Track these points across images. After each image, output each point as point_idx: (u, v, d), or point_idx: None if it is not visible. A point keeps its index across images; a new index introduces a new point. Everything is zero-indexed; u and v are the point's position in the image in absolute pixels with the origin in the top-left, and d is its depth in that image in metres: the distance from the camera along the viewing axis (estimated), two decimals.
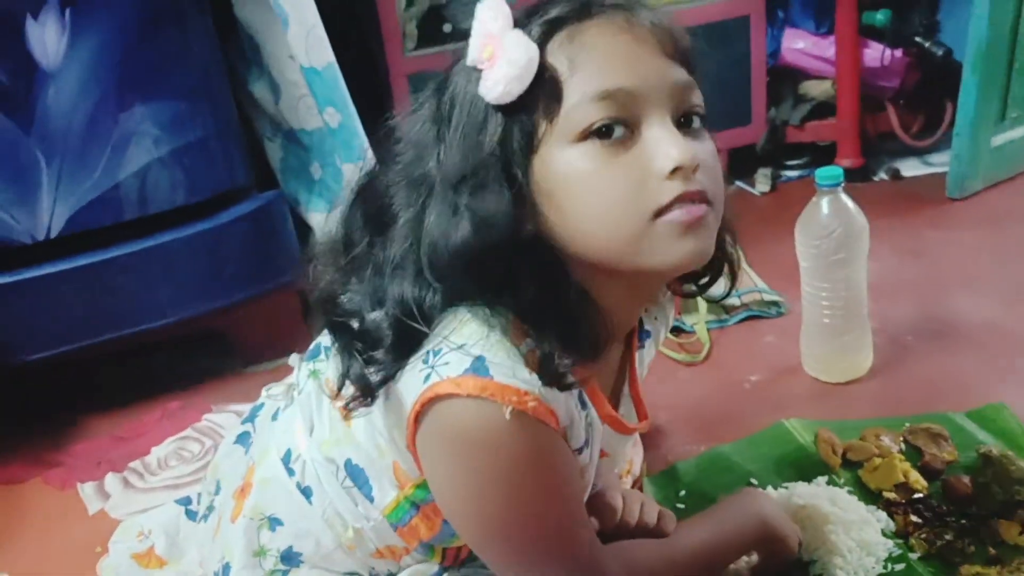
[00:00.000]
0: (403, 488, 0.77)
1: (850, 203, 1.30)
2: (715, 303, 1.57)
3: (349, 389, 0.72)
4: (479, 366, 0.67)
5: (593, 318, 0.73)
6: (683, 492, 1.15)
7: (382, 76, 1.83)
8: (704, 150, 0.71)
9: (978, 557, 0.99)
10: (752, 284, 1.61)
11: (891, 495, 1.09)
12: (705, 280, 0.86)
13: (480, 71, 0.69)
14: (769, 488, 1.12)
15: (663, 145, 0.67)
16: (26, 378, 1.45)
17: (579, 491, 0.79)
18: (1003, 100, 1.94)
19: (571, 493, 0.76)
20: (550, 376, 0.68)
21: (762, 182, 2.15)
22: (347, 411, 0.74)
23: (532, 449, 0.69)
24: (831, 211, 1.29)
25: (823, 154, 2.19)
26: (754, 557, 0.97)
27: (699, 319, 1.56)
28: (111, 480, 1.32)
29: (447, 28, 1.85)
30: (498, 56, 0.67)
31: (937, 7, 2.09)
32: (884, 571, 0.99)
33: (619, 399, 0.87)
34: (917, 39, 2.05)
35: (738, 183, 2.19)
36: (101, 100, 1.33)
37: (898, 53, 2.05)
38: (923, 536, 1.02)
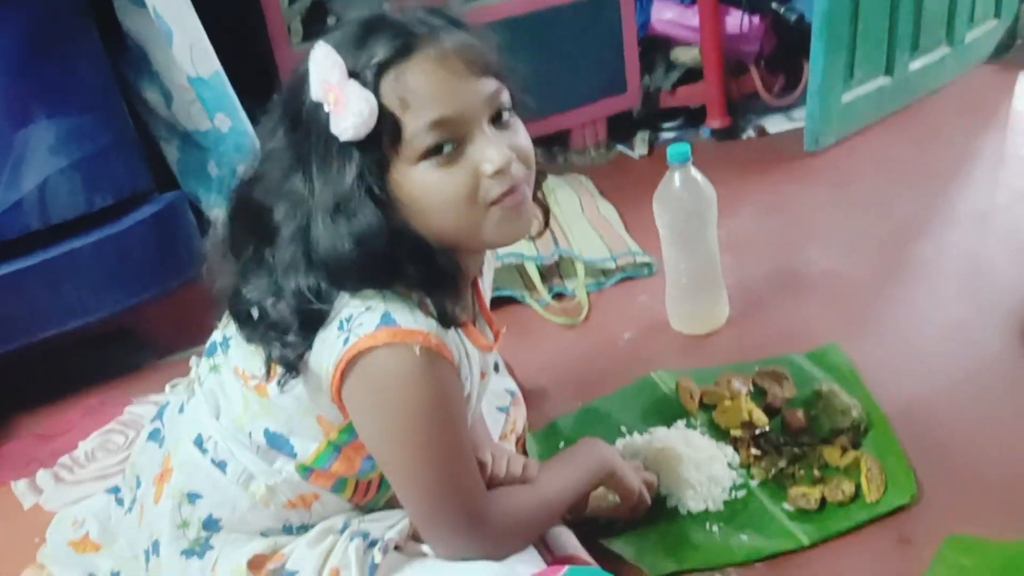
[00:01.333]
0: (327, 435, 0.91)
1: (699, 176, 1.45)
2: (594, 267, 1.73)
3: (277, 368, 0.88)
4: (387, 319, 0.84)
5: (457, 275, 0.92)
6: (562, 444, 1.30)
7: (272, 71, 1.92)
8: (516, 137, 0.89)
9: (806, 480, 1.18)
10: (626, 247, 1.77)
11: (737, 432, 1.26)
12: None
13: (327, 112, 0.82)
14: (636, 434, 1.28)
15: (485, 152, 0.85)
16: None
17: (467, 430, 0.95)
18: (850, 61, 2.11)
19: (465, 429, 0.93)
20: (441, 315, 0.87)
21: (640, 145, 2.31)
22: (280, 386, 0.90)
23: (438, 381, 0.86)
24: (682, 184, 1.44)
25: (695, 116, 2.36)
26: (616, 497, 1.14)
27: (579, 283, 1.71)
28: (43, 476, 1.41)
29: (331, 21, 1.94)
30: (342, 104, 0.81)
31: None
32: (728, 498, 1.16)
33: (476, 324, 1.03)
34: (773, 5, 2.21)
35: (618, 147, 2.34)
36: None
37: (756, 19, 2.22)
38: (762, 465, 1.20)
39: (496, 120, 0.87)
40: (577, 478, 1.06)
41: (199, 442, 0.96)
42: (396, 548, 0.94)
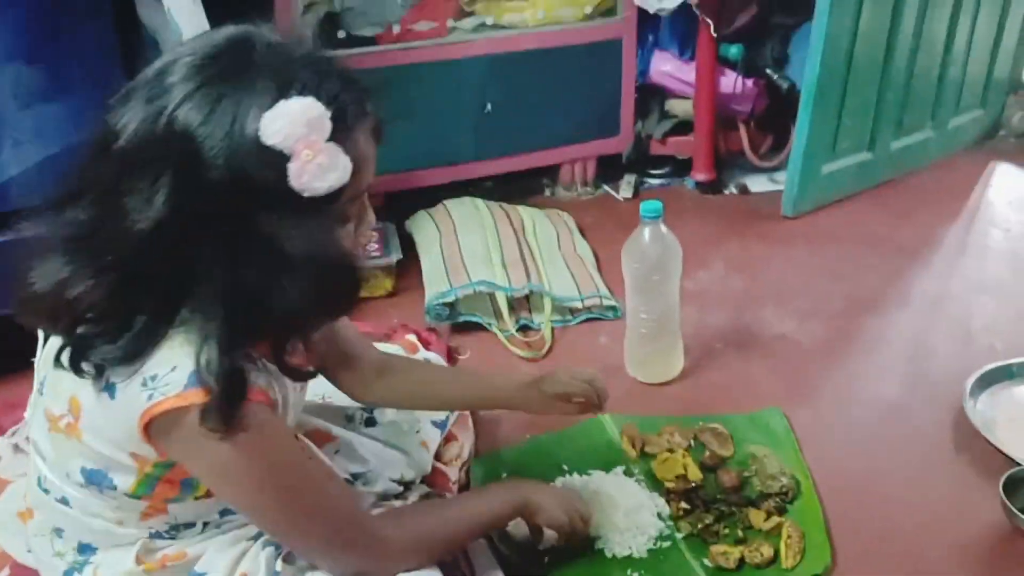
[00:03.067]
0: (142, 469, 0.90)
1: (667, 233, 1.51)
2: (561, 305, 1.79)
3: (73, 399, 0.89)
4: (194, 379, 0.81)
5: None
6: (504, 475, 1.35)
7: None
8: None
9: (729, 539, 1.24)
10: (595, 289, 1.82)
11: (671, 484, 1.32)
12: None
13: (285, 157, 0.79)
14: (576, 474, 1.34)
15: (369, 214, 0.93)
16: None
17: (307, 460, 0.97)
18: (835, 133, 2.18)
19: (302, 461, 0.94)
20: (283, 368, 0.90)
21: (625, 188, 2.37)
22: (75, 426, 0.90)
23: (259, 426, 0.85)
24: (651, 239, 1.50)
25: (682, 166, 2.43)
26: (553, 533, 1.20)
27: (545, 318, 1.77)
28: (1, 444, 1.45)
29: (341, 34, 2.00)
30: (321, 163, 0.80)
31: (788, 42, 2.32)
32: (652, 547, 1.22)
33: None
34: (767, 71, 2.29)
35: (605, 187, 2.40)
36: (4, 94, 1.45)
37: (750, 82, 2.29)
38: (689, 520, 1.26)
39: None
40: (491, 508, 1.11)
41: (39, 482, 1.00)
42: None
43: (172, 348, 0.83)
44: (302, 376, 0.97)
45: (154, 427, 0.84)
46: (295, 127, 0.78)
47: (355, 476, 1.21)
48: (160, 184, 0.78)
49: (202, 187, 0.79)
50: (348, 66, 0.88)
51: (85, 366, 0.85)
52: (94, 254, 0.83)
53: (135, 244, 0.80)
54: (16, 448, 1.44)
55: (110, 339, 0.83)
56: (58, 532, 1.00)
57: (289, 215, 0.81)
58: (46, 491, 0.99)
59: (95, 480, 0.93)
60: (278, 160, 0.79)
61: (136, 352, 0.83)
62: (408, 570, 0.98)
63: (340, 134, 0.81)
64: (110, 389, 0.85)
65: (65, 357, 0.86)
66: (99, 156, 0.83)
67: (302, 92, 0.80)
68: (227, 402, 0.82)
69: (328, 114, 0.80)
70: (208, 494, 0.96)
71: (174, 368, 0.82)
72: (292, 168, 0.79)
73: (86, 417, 0.89)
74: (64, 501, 0.97)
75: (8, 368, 1.63)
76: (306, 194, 0.80)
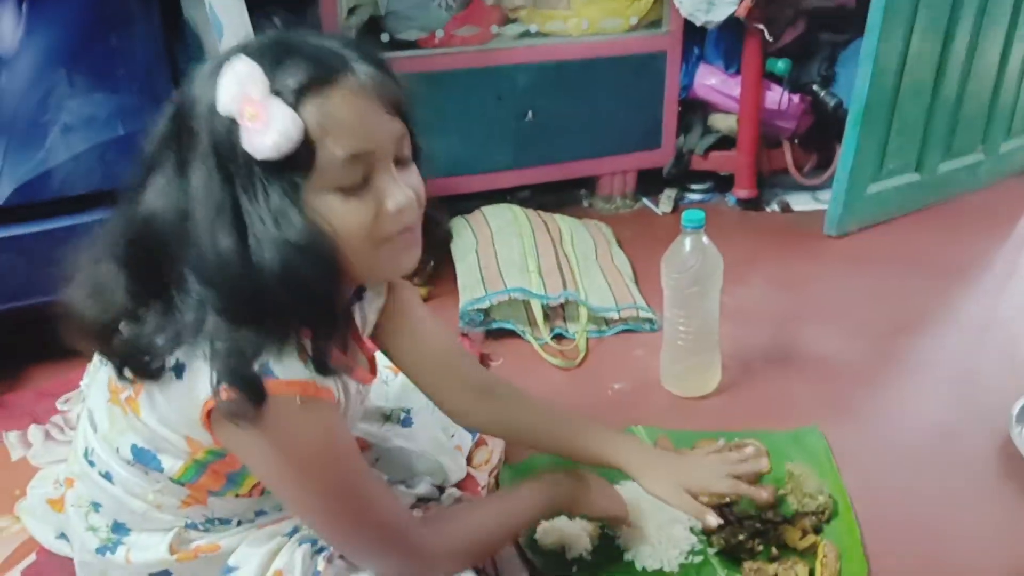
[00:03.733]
0: (194, 454, 0.89)
1: (709, 244, 1.48)
2: (597, 315, 1.76)
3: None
4: (266, 370, 0.81)
5: (344, 319, 0.93)
6: None
7: None
8: (412, 179, 0.88)
9: (763, 556, 1.20)
10: (632, 300, 1.80)
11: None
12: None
13: (240, 127, 0.78)
14: None
15: (390, 189, 0.84)
16: None
17: (360, 460, 0.94)
18: (882, 153, 2.15)
19: (359, 463, 0.92)
20: (319, 365, 0.84)
21: (665, 203, 2.35)
22: (134, 400, 0.89)
23: (320, 425, 0.85)
24: (692, 249, 1.47)
25: (723, 182, 2.40)
26: (584, 543, 1.17)
27: (580, 328, 1.75)
28: (34, 431, 1.46)
29: (385, 37, 2.01)
30: (262, 120, 0.76)
31: (836, 59, 2.29)
32: (684, 561, 1.19)
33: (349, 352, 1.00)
34: (814, 88, 2.26)
35: (644, 200, 2.38)
36: (50, 87, 1.46)
37: (796, 98, 2.26)
38: (722, 535, 1.23)
39: (398, 161, 0.87)
40: (528, 506, 1.08)
41: (87, 454, 0.99)
42: (341, 557, 0.97)
43: None
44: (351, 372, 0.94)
45: (215, 415, 0.83)
46: (231, 87, 0.77)
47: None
48: (166, 167, 0.80)
49: (201, 166, 0.79)
50: (346, 32, 0.85)
51: (146, 369, 0.84)
52: (118, 241, 0.83)
53: (152, 232, 0.80)
54: (47, 435, 1.45)
55: (156, 331, 0.82)
56: (95, 506, 1.00)
57: (261, 189, 0.79)
58: (91, 463, 0.98)
59: (143, 460, 0.92)
60: (234, 127, 0.78)
61: (182, 334, 0.82)
62: (449, 574, 0.97)
63: (290, 91, 0.78)
64: (178, 369, 0.83)
65: (127, 372, 0.85)
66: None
67: (244, 53, 0.79)
68: (301, 396, 0.81)
69: (259, 70, 0.78)
70: (249, 493, 0.96)
71: None
72: (241, 131, 0.77)
73: (147, 393, 0.88)
74: (107, 476, 0.96)
75: (54, 358, 1.64)
76: (258, 157, 0.77)
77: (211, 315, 0.80)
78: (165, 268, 0.81)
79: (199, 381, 0.82)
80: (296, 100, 0.78)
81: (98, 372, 0.97)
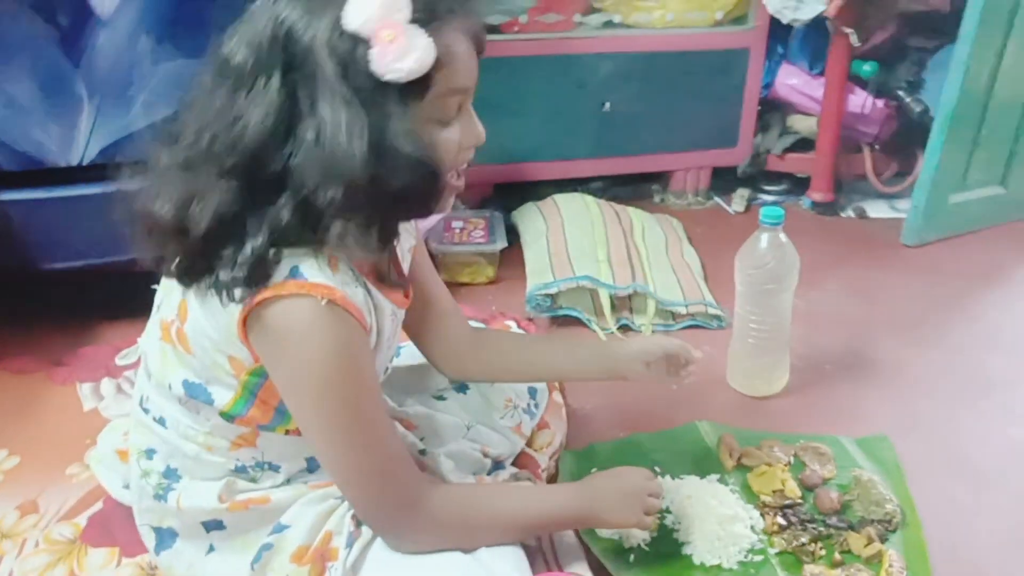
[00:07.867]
0: (239, 376, 0.92)
1: (787, 242, 1.46)
2: (664, 309, 1.74)
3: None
4: (295, 272, 0.85)
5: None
6: (594, 469, 1.31)
7: None
8: None
9: (826, 560, 1.18)
10: (700, 296, 1.78)
11: (768, 499, 1.27)
12: None
13: (366, 42, 0.80)
14: (668, 477, 1.30)
15: (474, 126, 0.92)
16: (49, 284, 1.63)
17: (377, 396, 0.95)
18: (967, 164, 2.09)
19: (374, 387, 0.93)
20: (383, 241, 0.88)
21: (738, 202, 2.31)
22: (183, 331, 0.92)
23: (342, 332, 0.87)
24: (768, 246, 1.45)
25: (798, 184, 2.35)
26: (643, 533, 1.16)
27: (647, 320, 1.73)
28: (106, 384, 1.50)
29: None
30: (400, 45, 0.79)
31: (924, 65, 2.23)
32: (744, 559, 1.17)
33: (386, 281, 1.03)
34: (900, 92, 2.20)
35: (716, 198, 2.35)
36: (143, 50, 1.49)
37: (880, 103, 2.20)
38: (784, 536, 1.21)
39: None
40: (549, 511, 1.05)
41: (142, 402, 1.02)
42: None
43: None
44: (398, 285, 1.00)
45: (249, 321, 0.86)
46: (372, 8, 0.79)
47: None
48: (272, 84, 0.81)
49: (307, 80, 0.81)
50: None
51: (203, 284, 0.87)
52: (214, 161, 0.84)
53: (252, 143, 0.82)
54: (119, 388, 1.48)
55: (229, 263, 0.85)
56: (149, 453, 1.03)
57: (376, 105, 0.81)
58: (146, 411, 1.01)
59: (194, 394, 0.95)
60: (362, 46, 0.80)
61: (256, 277, 0.84)
62: (436, 547, 0.95)
63: (425, 21, 0.81)
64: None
65: (185, 276, 0.88)
66: (214, 82, 0.85)
67: None
68: (328, 299, 0.84)
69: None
70: (298, 430, 0.96)
71: (277, 261, 0.85)
72: (373, 52, 0.79)
73: (192, 318, 0.91)
74: (161, 421, 1.00)
75: (131, 314, 1.65)
76: (388, 77, 0.80)
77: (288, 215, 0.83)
78: (260, 174, 0.83)
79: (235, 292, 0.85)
80: (432, 29, 0.82)
81: (152, 321, 1.00)
